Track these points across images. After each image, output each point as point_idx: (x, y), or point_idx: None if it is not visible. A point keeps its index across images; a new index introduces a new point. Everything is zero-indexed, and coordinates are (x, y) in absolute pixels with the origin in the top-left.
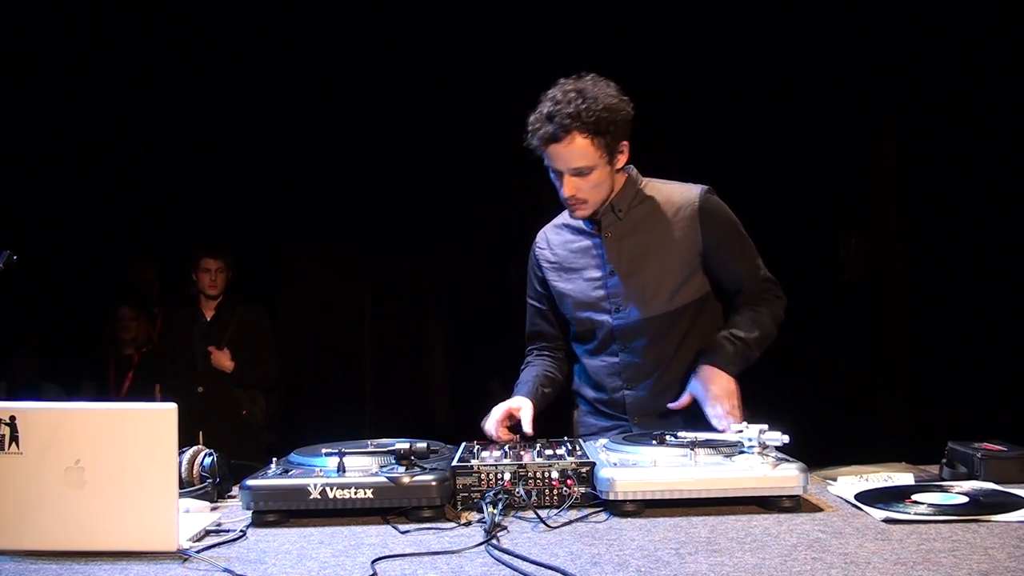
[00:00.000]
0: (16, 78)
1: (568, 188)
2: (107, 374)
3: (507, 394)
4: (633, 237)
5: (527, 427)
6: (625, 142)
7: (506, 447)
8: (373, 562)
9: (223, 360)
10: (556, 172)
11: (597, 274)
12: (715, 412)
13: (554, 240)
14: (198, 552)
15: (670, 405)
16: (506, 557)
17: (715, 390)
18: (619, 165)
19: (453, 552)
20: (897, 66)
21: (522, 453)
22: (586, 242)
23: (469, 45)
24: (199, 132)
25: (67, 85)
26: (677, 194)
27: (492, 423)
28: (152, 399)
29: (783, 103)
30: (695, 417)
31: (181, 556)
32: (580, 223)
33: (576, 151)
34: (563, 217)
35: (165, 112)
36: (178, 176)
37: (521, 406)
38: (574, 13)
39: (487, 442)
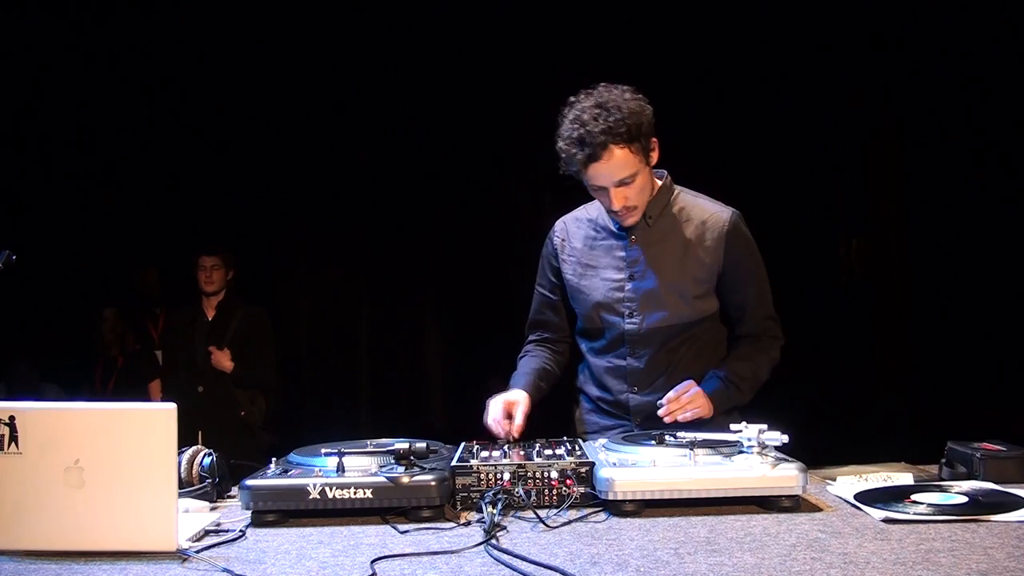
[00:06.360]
0: (16, 78)
1: (617, 201)
2: (95, 375)
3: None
4: (659, 245)
5: (516, 426)
6: (654, 139)
7: (505, 447)
8: (372, 562)
9: (223, 360)
10: (599, 188)
11: (617, 276)
12: (668, 398)
13: (575, 233)
14: (197, 552)
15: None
16: (505, 557)
17: (685, 394)
18: (654, 162)
19: (452, 552)
20: (897, 67)
21: (521, 453)
22: (610, 242)
23: (470, 45)
24: (197, 132)
25: (66, 85)
26: (708, 212)
27: (493, 421)
28: (137, 399)
29: (783, 104)
30: (701, 423)
31: (180, 556)
32: (606, 220)
33: (617, 164)
34: (586, 211)
35: (162, 112)
36: (176, 177)
37: (517, 400)
38: (572, 14)
39: (486, 442)
